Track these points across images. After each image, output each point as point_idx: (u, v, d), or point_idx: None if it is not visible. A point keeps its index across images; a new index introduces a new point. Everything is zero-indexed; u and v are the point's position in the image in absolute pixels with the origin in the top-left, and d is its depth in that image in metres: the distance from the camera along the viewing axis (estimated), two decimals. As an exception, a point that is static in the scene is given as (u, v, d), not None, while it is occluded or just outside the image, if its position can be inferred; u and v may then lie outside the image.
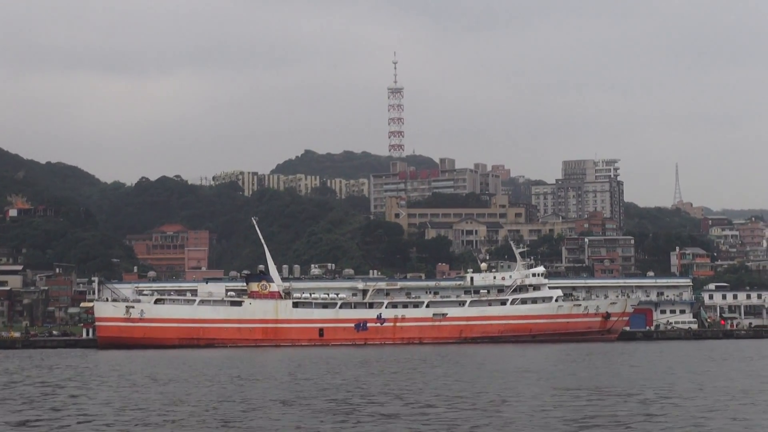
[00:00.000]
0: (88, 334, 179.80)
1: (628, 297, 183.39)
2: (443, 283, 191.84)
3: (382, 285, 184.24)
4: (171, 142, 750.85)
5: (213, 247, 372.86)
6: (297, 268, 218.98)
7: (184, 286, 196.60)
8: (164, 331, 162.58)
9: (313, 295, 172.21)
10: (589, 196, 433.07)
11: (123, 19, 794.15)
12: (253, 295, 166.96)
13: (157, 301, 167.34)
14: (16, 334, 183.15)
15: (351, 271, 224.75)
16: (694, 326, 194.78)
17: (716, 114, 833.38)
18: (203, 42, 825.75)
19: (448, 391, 68.80)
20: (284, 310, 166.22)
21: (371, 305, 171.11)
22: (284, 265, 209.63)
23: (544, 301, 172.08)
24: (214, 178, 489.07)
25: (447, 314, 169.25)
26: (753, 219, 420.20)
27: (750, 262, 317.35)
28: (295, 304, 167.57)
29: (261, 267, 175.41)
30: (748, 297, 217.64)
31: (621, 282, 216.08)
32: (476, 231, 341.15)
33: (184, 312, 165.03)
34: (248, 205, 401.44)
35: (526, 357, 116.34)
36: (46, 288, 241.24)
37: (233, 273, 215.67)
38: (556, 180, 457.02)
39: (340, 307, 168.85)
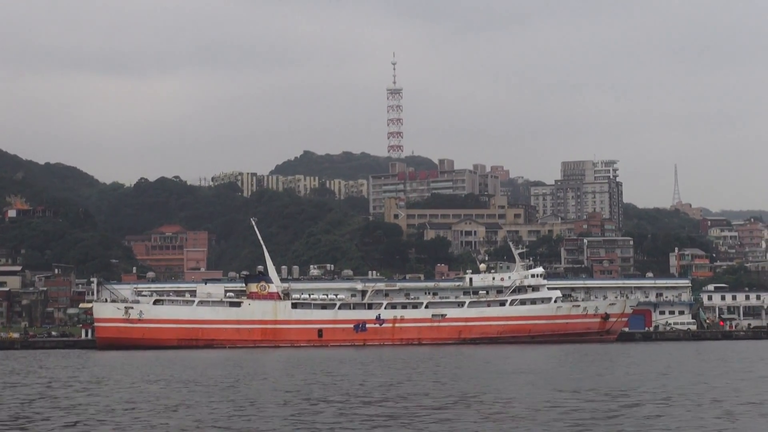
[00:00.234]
0: (87, 334, 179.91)
1: (627, 298, 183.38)
2: (442, 284, 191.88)
3: (381, 286, 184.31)
4: (170, 143, 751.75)
5: (212, 248, 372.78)
6: (296, 268, 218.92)
7: (183, 286, 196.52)
8: (163, 331, 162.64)
9: (312, 296, 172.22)
10: (588, 197, 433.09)
11: (122, 19, 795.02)
12: (252, 296, 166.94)
13: (156, 302, 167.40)
14: (15, 335, 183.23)
15: (350, 272, 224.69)
16: (693, 327, 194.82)
17: (715, 115, 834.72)
18: (202, 43, 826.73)
19: (444, 391, 68.81)
20: (283, 310, 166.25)
21: (370, 306, 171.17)
22: (283, 266, 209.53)
23: (543, 302, 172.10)
24: (213, 179, 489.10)
25: (446, 315, 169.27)
26: (752, 220, 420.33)
27: (749, 263, 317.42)
28: (294, 305, 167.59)
29: (260, 268, 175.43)
30: (747, 298, 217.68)
31: (620, 283, 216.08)
32: (475, 232, 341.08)
33: (183, 313, 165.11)
34: (247, 205, 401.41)
35: (523, 358, 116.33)
36: (44, 289, 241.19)
37: (232, 274, 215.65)
38: (555, 181, 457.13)
39: (339, 308, 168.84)
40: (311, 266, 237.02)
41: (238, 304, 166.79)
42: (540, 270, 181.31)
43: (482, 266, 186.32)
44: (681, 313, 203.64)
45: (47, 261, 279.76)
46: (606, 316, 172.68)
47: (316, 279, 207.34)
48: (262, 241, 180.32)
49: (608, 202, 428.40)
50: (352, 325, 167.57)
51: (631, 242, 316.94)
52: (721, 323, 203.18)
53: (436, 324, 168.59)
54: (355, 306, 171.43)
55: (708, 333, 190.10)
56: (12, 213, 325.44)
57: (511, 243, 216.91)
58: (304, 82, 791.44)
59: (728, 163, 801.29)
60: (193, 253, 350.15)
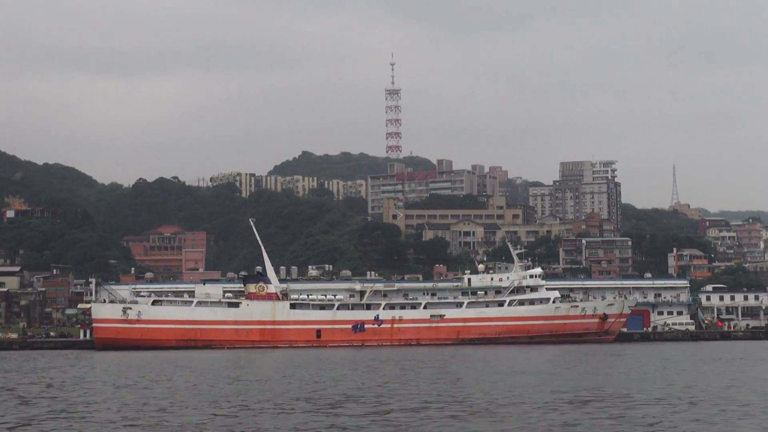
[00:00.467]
0: (85, 335, 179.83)
1: (626, 298, 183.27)
2: (441, 285, 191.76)
3: (380, 286, 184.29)
4: (168, 144, 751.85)
5: (210, 249, 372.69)
6: (294, 269, 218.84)
7: (182, 287, 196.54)
8: (161, 332, 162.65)
9: (310, 297, 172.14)
10: (586, 197, 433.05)
11: (120, 19, 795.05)
12: (250, 297, 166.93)
13: (154, 303, 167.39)
14: (14, 336, 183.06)
15: (348, 273, 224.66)
16: (692, 328, 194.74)
17: (714, 115, 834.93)
18: (201, 43, 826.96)
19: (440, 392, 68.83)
20: (281, 311, 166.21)
21: (369, 306, 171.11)
22: (281, 267, 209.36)
23: (541, 302, 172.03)
24: (211, 180, 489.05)
25: (444, 315, 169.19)
26: (750, 220, 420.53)
27: (747, 264, 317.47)
28: (293, 306, 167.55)
29: (258, 268, 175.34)
30: (746, 298, 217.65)
31: (618, 283, 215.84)
32: (473, 232, 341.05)
33: (182, 313, 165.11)
34: (246, 206, 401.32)
35: (518, 358, 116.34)
36: (43, 289, 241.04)
37: (230, 274, 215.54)
38: (554, 181, 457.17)
39: (338, 309, 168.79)
40: (310, 267, 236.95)
41: (236, 305, 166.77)
42: (538, 270, 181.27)
43: (481, 267, 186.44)
44: (679, 313, 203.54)
45: (46, 261, 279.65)
46: (604, 317, 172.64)
47: (314, 279, 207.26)
48: (260, 242, 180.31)
49: (606, 202, 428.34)
50: (350, 326, 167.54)
51: (630, 243, 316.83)
52: (720, 324, 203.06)
53: (434, 324, 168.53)
54: (354, 306, 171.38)
55: (706, 333, 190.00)
56: (10, 213, 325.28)
57: (509, 243, 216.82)
58: (302, 83, 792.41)
59: (727, 163, 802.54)
60: (191, 253, 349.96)
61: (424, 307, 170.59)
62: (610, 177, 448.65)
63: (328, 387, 73.99)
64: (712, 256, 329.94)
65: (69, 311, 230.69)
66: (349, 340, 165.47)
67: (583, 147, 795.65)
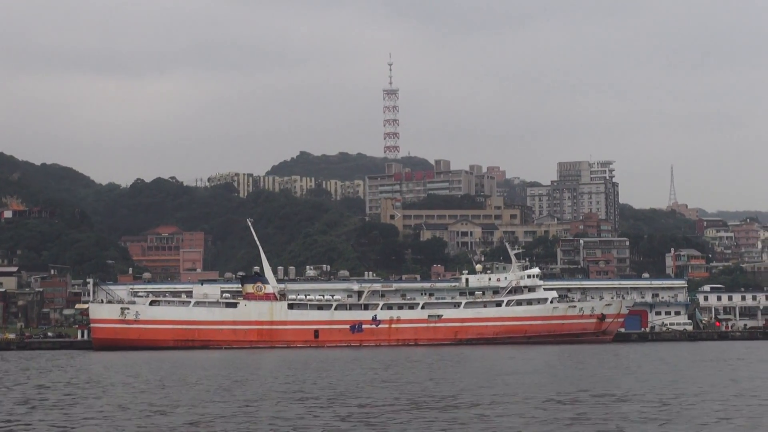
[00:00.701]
0: (83, 335, 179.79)
1: (623, 298, 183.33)
2: (438, 285, 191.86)
3: (378, 286, 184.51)
4: (166, 144, 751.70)
5: (208, 249, 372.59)
6: (292, 269, 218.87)
7: (179, 287, 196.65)
8: (159, 332, 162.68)
9: (308, 297, 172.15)
10: (584, 197, 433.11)
11: (118, 20, 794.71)
12: (248, 297, 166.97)
13: (152, 303, 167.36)
14: (11, 336, 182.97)
15: (346, 273, 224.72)
16: (689, 328, 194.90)
17: (711, 116, 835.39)
18: (198, 43, 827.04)
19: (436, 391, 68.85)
20: (279, 311, 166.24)
21: (366, 307, 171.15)
22: (279, 267, 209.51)
23: (539, 302, 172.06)
24: (209, 180, 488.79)
25: (442, 316, 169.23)
26: (748, 220, 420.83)
27: (745, 264, 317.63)
28: (291, 306, 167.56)
29: (256, 268, 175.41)
30: (743, 298, 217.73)
31: (616, 283, 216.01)
32: (471, 232, 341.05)
33: (179, 314, 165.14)
34: (243, 206, 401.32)
35: (515, 359, 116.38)
36: (41, 289, 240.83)
37: (228, 274, 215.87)
38: (552, 181, 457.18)
39: (336, 309, 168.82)
40: (307, 267, 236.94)
41: (234, 305, 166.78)
42: (536, 270, 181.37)
43: (478, 267, 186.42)
44: (677, 313, 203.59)
45: (43, 262, 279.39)
46: (602, 317, 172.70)
47: (312, 280, 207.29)
48: (258, 242, 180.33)
49: (604, 202, 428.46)
50: (348, 326, 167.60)
51: (627, 243, 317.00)
52: (717, 324, 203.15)
53: (432, 325, 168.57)
54: (352, 307, 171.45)
55: (704, 333, 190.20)
56: (8, 214, 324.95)
57: (507, 244, 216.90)
58: (300, 83, 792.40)
59: (725, 163, 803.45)
60: (189, 253, 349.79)
61: (422, 308, 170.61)
62: (607, 177, 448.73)
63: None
64: (710, 256, 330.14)
65: (67, 311, 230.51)
66: (347, 341, 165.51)
67: (580, 147, 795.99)
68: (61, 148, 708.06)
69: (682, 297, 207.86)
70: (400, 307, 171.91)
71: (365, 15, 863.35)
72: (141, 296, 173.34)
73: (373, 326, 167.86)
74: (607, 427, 49.49)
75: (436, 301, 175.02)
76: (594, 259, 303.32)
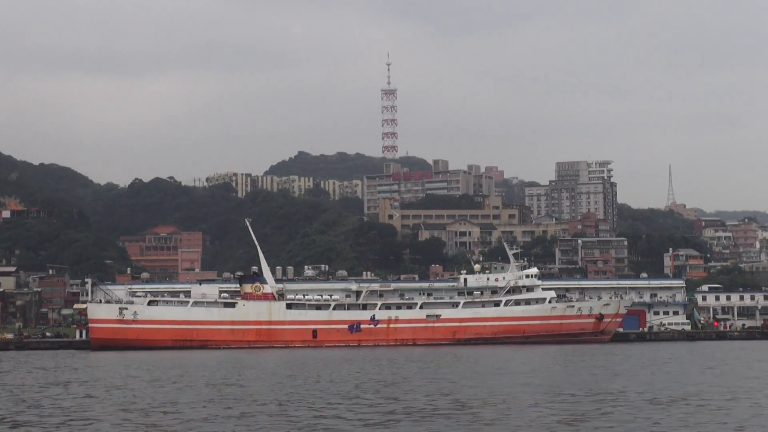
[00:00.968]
0: (81, 335, 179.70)
1: (622, 298, 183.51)
2: (437, 285, 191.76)
3: (376, 286, 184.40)
4: (164, 144, 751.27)
5: (206, 249, 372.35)
6: (290, 269, 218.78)
7: (178, 287, 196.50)
8: (157, 332, 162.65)
9: (306, 297, 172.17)
10: (582, 197, 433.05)
11: (116, 19, 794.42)
12: (246, 297, 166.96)
13: (150, 303, 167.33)
14: (10, 336, 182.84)
15: (344, 273, 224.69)
16: (688, 328, 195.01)
17: (709, 116, 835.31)
18: (196, 43, 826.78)
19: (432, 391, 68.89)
20: (278, 311, 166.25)
21: (365, 307, 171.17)
22: (278, 267, 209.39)
23: (537, 302, 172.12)
24: (207, 180, 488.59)
25: (440, 315, 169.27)
26: (746, 220, 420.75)
27: (743, 264, 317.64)
28: (289, 306, 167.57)
29: (254, 268, 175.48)
30: (741, 298, 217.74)
31: (614, 283, 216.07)
32: (470, 232, 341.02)
33: (178, 313, 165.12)
34: (242, 206, 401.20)
35: (510, 358, 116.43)
36: (39, 289, 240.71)
37: (227, 274, 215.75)
38: (550, 181, 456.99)
39: (334, 309, 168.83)
40: (306, 267, 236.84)
41: (232, 305, 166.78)
42: (534, 270, 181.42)
43: (477, 267, 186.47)
44: (675, 313, 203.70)
45: (41, 262, 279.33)
46: (600, 317, 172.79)
47: (310, 279, 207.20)
48: (256, 242, 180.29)
49: (602, 202, 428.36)
50: (346, 326, 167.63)
51: (626, 243, 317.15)
52: (716, 324, 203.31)
53: (430, 324, 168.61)
54: (350, 306, 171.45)
55: (702, 333, 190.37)
56: (6, 213, 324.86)
57: (505, 243, 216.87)
58: (298, 83, 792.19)
59: (722, 163, 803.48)
60: (187, 253, 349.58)
61: (420, 307, 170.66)
62: (606, 177, 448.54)
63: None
64: (708, 256, 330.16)
65: (65, 311, 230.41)
66: (346, 340, 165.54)
67: (579, 147, 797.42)
68: (60, 148, 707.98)
69: (680, 297, 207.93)
70: (399, 307, 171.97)
71: (363, 15, 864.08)
72: (139, 296, 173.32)
73: (372, 326, 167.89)
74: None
75: (434, 301, 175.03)
76: (592, 259, 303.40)
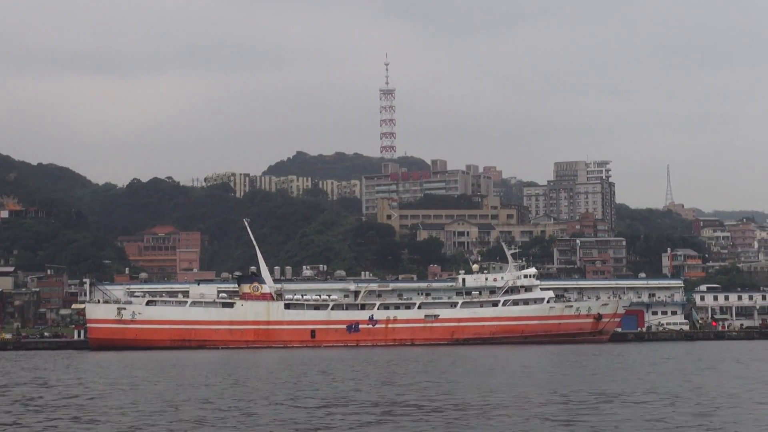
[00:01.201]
0: (79, 335, 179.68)
1: (620, 298, 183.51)
2: (435, 285, 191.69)
3: (374, 286, 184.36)
4: (163, 144, 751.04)
5: (205, 249, 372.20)
6: (289, 269, 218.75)
7: (176, 287, 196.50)
8: (156, 332, 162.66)
9: (304, 297, 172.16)
10: (580, 197, 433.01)
11: (114, 19, 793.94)
12: (244, 297, 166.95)
13: (148, 303, 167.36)
14: (8, 336, 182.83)
15: (343, 273, 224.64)
16: (686, 327, 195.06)
17: (708, 116, 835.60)
18: (195, 43, 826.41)
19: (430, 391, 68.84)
20: (276, 311, 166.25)
21: (363, 307, 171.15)
22: (276, 267, 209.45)
23: (535, 302, 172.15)
24: (205, 180, 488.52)
25: (439, 315, 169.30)
26: (744, 220, 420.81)
27: (741, 264, 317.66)
28: (287, 306, 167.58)
29: (253, 268, 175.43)
30: (740, 298, 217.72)
31: (612, 283, 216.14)
32: (468, 232, 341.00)
33: (176, 313, 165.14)
34: (240, 206, 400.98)
35: (508, 358, 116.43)
36: (37, 289, 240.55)
37: (225, 274, 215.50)
38: (548, 181, 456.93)
39: (332, 309, 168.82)
40: (304, 267, 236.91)
41: (230, 305, 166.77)
42: (533, 270, 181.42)
43: (475, 267, 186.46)
44: (673, 313, 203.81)
45: (40, 262, 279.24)
46: (599, 317, 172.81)
47: (308, 279, 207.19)
48: (254, 242, 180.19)
49: (601, 202, 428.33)
50: (344, 326, 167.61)
51: (624, 243, 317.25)
52: (714, 323, 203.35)
53: (428, 324, 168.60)
54: (348, 306, 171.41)
55: (700, 333, 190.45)
56: (4, 213, 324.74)
57: (503, 243, 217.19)
58: (296, 83, 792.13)
59: (721, 163, 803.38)
60: (185, 253, 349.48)
61: (419, 307, 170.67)
62: (604, 177, 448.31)
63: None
64: (706, 256, 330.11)
65: (63, 311, 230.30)
66: (344, 341, 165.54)
67: (577, 147, 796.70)
68: (58, 148, 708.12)
69: (678, 297, 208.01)
70: (397, 307, 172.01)
71: (361, 15, 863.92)
72: (138, 296, 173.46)
73: (370, 326, 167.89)
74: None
75: (432, 301, 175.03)
76: (590, 258, 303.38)
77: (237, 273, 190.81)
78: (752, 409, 57.36)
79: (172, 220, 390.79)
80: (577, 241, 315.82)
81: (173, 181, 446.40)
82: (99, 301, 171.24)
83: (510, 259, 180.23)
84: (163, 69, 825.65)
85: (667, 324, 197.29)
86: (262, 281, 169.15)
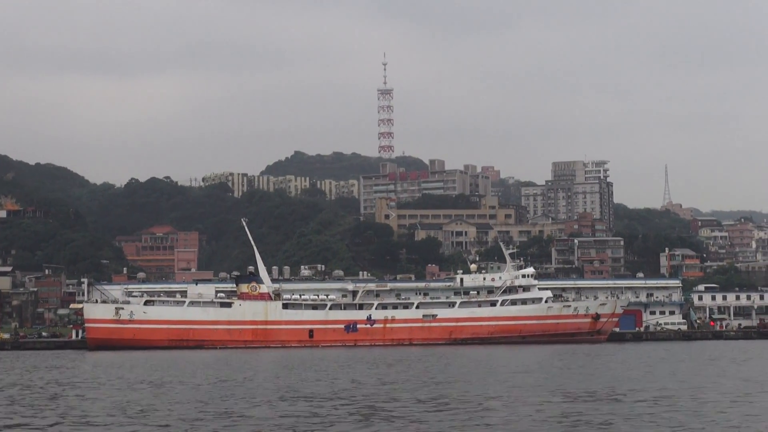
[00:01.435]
0: (77, 335, 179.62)
1: (618, 298, 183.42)
2: (433, 285, 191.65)
3: (372, 286, 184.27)
4: (160, 143, 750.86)
5: (203, 249, 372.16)
6: (287, 269, 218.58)
7: (174, 287, 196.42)
8: (154, 332, 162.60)
9: (302, 297, 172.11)
10: (578, 197, 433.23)
11: (112, 19, 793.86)
12: (242, 297, 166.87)
13: (146, 303, 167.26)
14: (6, 336, 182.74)
15: (341, 273, 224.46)
16: (684, 327, 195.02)
17: (706, 116, 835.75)
18: (193, 43, 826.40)
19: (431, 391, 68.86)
20: (274, 311, 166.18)
21: (361, 306, 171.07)
22: (274, 267, 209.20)
23: (533, 302, 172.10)
24: (203, 179, 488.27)
25: (437, 315, 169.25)
26: (742, 220, 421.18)
27: (739, 263, 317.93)
28: (285, 306, 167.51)
29: (251, 268, 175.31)
30: (738, 298, 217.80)
31: (610, 283, 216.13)
32: (466, 232, 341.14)
33: (174, 313, 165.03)
34: (238, 206, 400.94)
35: (510, 359, 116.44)
36: (35, 289, 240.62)
37: (223, 274, 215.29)
38: (546, 181, 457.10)
39: (330, 309, 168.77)
40: (302, 267, 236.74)
41: (228, 305, 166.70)
42: (531, 270, 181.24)
43: (473, 266, 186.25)
44: (671, 313, 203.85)
45: (38, 261, 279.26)
46: (597, 317, 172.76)
47: (307, 279, 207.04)
48: (252, 242, 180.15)
49: (599, 202, 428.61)
50: (343, 326, 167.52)
51: (622, 242, 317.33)
52: (712, 323, 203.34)
53: (427, 324, 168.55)
54: (346, 306, 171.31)
55: (698, 333, 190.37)
56: (2, 213, 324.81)
57: (501, 243, 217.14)
58: (295, 83, 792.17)
59: (719, 163, 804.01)
60: (183, 253, 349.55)
61: (417, 307, 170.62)
62: (602, 177, 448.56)
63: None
64: (704, 255, 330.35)
65: (61, 311, 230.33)
66: (342, 340, 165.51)
67: (575, 147, 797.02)
68: (56, 148, 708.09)
69: (676, 297, 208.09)
70: (395, 306, 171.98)
71: (359, 15, 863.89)
72: (135, 296, 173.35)
73: (368, 326, 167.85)
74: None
75: (430, 300, 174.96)
76: (588, 258, 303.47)
77: (235, 273, 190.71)
78: (745, 410, 57.39)
79: (170, 219, 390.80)
80: (575, 240, 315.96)
81: (171, 180, 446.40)
82: (97, 301, 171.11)
83: (508, 258, 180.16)
84: (162, 69, 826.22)
85: (665, 324, 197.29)
86: (260, 281, 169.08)
